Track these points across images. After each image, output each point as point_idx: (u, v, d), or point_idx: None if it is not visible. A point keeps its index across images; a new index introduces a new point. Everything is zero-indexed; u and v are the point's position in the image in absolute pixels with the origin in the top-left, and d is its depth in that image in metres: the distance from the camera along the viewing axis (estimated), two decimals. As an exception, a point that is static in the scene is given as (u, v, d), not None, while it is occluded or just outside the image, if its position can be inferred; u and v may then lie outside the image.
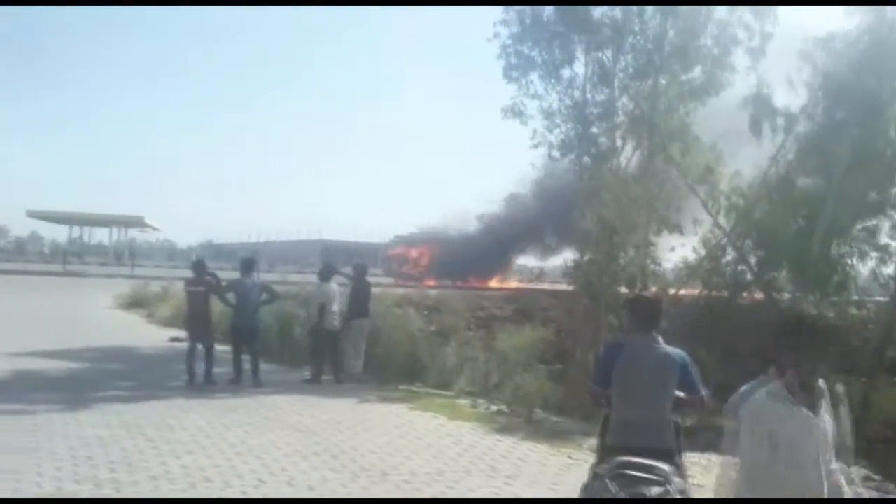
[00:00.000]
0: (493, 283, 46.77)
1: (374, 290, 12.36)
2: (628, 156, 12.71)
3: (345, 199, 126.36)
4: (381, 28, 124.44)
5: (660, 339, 4.01)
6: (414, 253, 54.76)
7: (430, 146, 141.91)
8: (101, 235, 78.20)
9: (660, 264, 12.56)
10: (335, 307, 11.00)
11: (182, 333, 12.52)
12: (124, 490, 5.43)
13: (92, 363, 11.81)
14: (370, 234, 67.89)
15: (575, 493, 4.11)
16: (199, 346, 10.23)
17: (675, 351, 3.99)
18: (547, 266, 49.23)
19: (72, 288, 29.09)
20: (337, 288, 11.49)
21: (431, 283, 40.45)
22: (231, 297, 10.52)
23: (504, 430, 8.17)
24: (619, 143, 12.72)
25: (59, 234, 78.95)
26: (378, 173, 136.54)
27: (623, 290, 11.48)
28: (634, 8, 12.27)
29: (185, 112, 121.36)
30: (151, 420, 7.80)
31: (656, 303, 4.35)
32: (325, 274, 11.47)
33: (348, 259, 18.78)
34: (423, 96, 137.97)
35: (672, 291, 12.27)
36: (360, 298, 11.42)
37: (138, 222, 72.01)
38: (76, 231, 75.55)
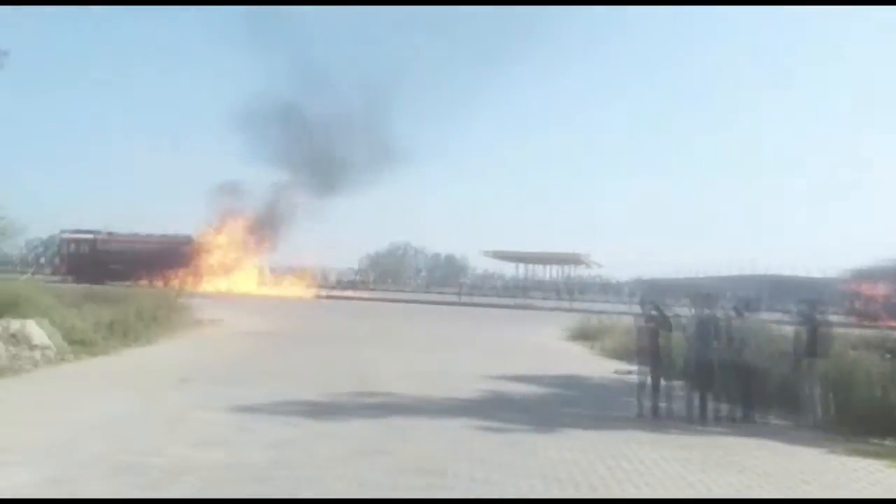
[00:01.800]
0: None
1: (827, 330, 11.30)
2: None
3: (783, 230, 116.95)
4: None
5: None
6: (871, 289, 48.26)
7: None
8: (545, 272, 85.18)
9: None
10: (748, 343, 10.54)
11: (628, 366, 12.94)
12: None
13: (549, 388, 12.86)
14: (822, 268, 61.21)
15: None
16: (650, 381, 10.46)
17: None
18: None
19: (522, 320, 32.18)
20: (757, 323, 11.04)
21: (893, 323, 35.14)
22: (681, 333, 10.57)
23: None
24: None
25: (509, 270, 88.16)
26: (826, 201, 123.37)
27: None
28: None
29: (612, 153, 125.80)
30: (608, 448, 8.19)
31: None
32: (741, 308, 11.08)
33: (798, 294, 17.43)
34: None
35: None
36: (809, 337, 10.57)
37: (580, 260, 76.85)
38: (522, 269, 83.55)
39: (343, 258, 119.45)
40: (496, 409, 10.56)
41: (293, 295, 45.37)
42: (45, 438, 7.35)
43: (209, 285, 43.97)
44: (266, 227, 49.88)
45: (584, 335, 22.76)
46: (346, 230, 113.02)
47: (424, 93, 72.50)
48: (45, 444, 7.13)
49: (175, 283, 38.17)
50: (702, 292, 11.06)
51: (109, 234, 49.17)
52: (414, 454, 7.45)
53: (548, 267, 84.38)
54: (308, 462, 6.90)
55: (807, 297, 13.13)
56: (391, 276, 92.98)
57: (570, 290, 61.60)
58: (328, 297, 45.88)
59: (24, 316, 13.51)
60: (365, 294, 54.09)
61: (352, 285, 66.77)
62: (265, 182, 51.13)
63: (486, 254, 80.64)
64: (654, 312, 10.77)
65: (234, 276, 47.80)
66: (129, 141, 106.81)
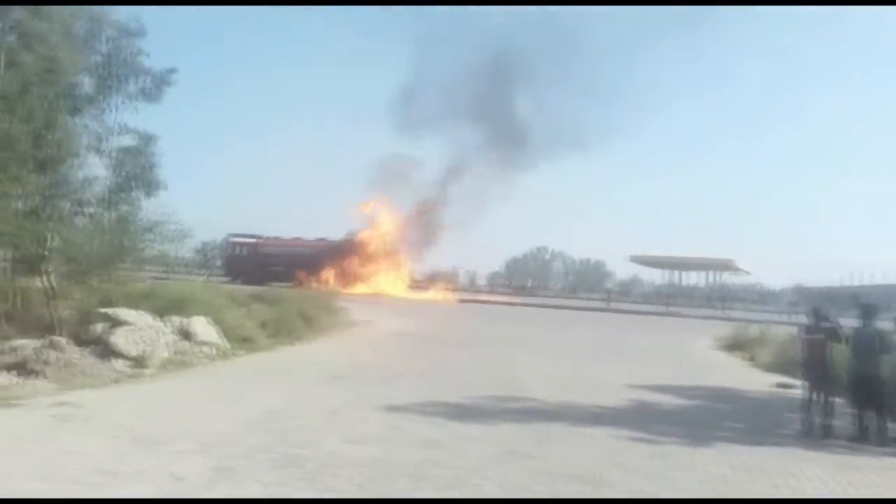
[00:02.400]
0: None
1: None
2: None
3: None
4: None
5: None
6: None
7: None
8: (693, 278, 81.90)
9: None
10: None
11: (790, 380, 12.17)
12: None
13: (701, 401, 12.33)
14: None
15: None
16: (816, 397, 9.79)
17: None
18: None
19: (670, 328, 31.08)
20: None
21: None
22: (849, 346, 9.81)
23: None
24: None
25: (655, 276, 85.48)
26: None
27: None
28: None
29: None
30: (771, 465, 7.75)
31: None
32: None
33: None
34: None
35: None
36: None
37: (728, 266, 73.24)
38: (669, 275, 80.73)
39: (488, 261, 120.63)
40: (645, 419, 10.26)
41: (439, 298, 46.27)
42: (213, 429, 7.91)
43: (360, 287, 45.73)
44: (420, 228, 51.01)
45: (738, 345, 21.61)
46: (489, 234, 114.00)
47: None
48: (213, 434, 7.68)
49: (329, 284, 39.95)
50: (869, 303, 10.17)
51: (271, 238, 52.29)
52: (563, 460, 7.40)
53: (701, 274, 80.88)
54: (457, 463, 7.02)
55: None
56: (537, 280, 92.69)
57: (722, 298, 58.75)
58: (473, 301, 46.38)
59: (196, 314, 14.68)
60: (509, 298, 54.23)
61: (520, 289, 67.03)
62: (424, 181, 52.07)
63: (632, 259, 78.53)
64: (824, 324, 10.07)
65: (383, 278, 49.41)
66: (285, 145, 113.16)
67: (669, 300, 55.93)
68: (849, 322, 10.56)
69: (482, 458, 7.25)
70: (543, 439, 8.40)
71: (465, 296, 50.09)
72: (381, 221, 51.29)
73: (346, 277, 46.10)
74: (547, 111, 55.66)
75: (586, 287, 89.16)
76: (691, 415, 10.97)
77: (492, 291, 64.42)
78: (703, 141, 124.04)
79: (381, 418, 8.98)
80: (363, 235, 50.59)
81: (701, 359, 19.63)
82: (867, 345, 9.58)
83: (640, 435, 9.03)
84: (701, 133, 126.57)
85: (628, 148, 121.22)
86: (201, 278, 34.80)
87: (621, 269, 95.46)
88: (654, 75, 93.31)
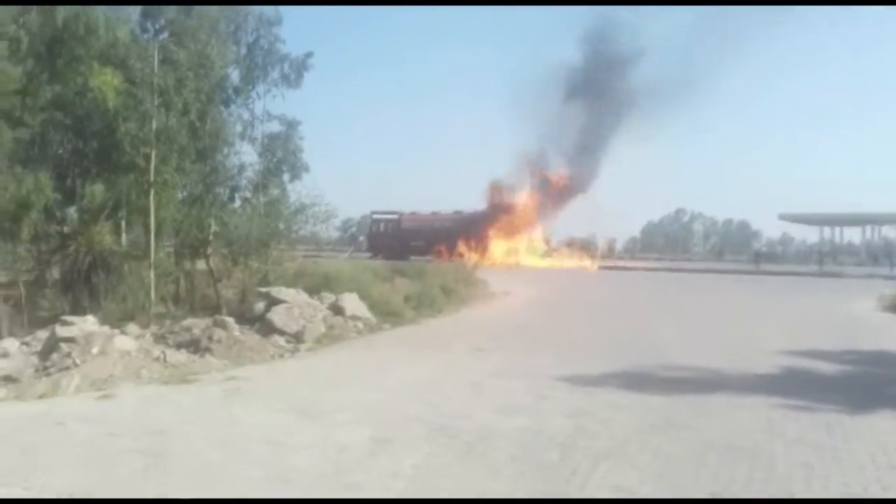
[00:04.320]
0: None
1: None
2: None
3: None
4: None
5: None
6: None
7: None
8: (851, 235, 76.40)
9: None
10: None
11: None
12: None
13: (862, 367, 11.53)
14: None
15: None
16: None
17: None
18: None
19: (828, 289, 29.20)
20: None
21: None
22: None
23: None
24: None
25: (809, 235, 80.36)
26: None
27: None
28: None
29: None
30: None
31: None
32: None
33: None
34: None
35: None
36: None
37: (892, 219, 67.65)
38: (826, 232, 75.60)
39: (626, 227, 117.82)
40: (802, 387, 9.77)
41: (577, 265, 45.81)
42: (367, 400, 8.32)
43: (498, 258, 46.08)
44: (553, 196, 50.63)
45: (906, 306, 20.07)
46: (625, 199, 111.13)
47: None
48: (368, 405, 8.08)
49: (468, 256, 40.57)
50: None
51: (412, 213, 53.55)
52: (719, 430, 7.21)
53: (863, 229, 75.04)
54: (607, 433, 7.02)
55: None
56: (677, 244, 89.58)
57: (889, 254, 54.15)
58: (611, 268, 45.58)
59: (345, 290, 15.41)
60: (650, 264, 52.84)
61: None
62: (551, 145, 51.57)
63: (783, 217, 74.13)
64: None
65: (520, 248, 49.52)
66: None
67: (829, 259, 52.47)
68: None
69: (634, 428, 7.20)
70: (697, 408, 8.22)
71: (603, 263, 49.31)
72: (517, 192, 51.29)
73: (484, 249, 46.57)
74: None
75: (732, 249, 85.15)
76: (852, 382, 10.35)
77: (633, 258, 62.88)
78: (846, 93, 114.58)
79: (527, 388, 9.09)
80: (499, 206, 50.76)
81: (862, 321, 18.35)
82: None
83: (799, 403, 8.62)
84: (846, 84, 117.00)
85: (767, 103, 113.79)
86: (345, 255, 36.30)
87: (769, 228, 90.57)
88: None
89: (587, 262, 47.66)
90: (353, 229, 66.00)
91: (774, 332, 15.50)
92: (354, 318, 14.30)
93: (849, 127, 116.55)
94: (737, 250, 78.71)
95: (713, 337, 14.75)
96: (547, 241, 53.06)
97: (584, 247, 54.97)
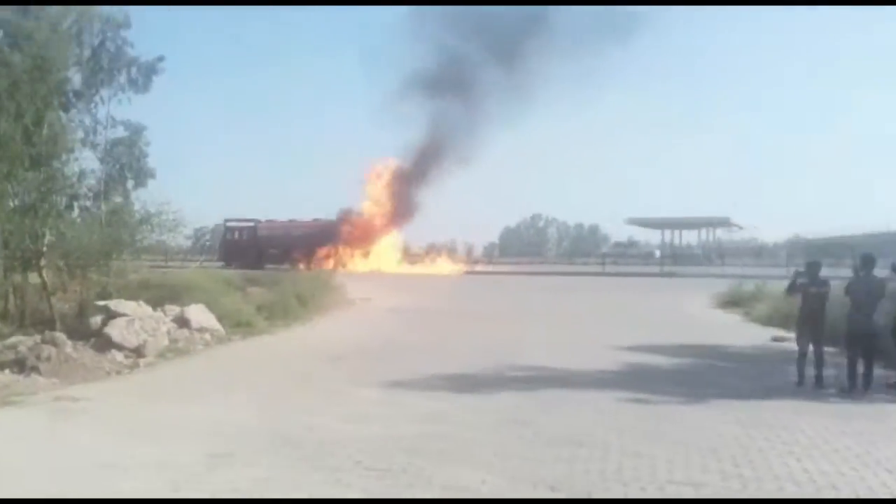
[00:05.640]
0: None
1: None
2: None
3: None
4: None
5: None
6: None
7: None
8: (690, 237, 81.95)
9: None
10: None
11: (785, 333, 12.27)
12: (749, 486, 5.59)
13: (698, 359, 12.41)
14: None
15: None
16: (810, 349, 9.90)
17: None
18: None
19: (668, 288, 31.17)
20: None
21: None
22: (848, 296, 9.91)
23: None
24: None
25: (652, 237, 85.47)
26: None
27: None
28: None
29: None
30: (765, 420, 7.85)
31: None
32: None
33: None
34: None
35: None
36: None
37: (724, 222, 73.31)
38: (667, 234, 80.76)
39: (483, 233, 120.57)
40: (644, 380, 10.36)
41: (435, 272, 46.31)
42: (208, 415, 7.97)
43: (357, 265, 45.75)
44: (410, 186, 50.48)
45: (733, 302, 21.73)
46: (485, 204, 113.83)
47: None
48: (209, 420, 7.74)
49: (326, 263, 39.97)
50: (868, 253, 10.23)
51: (268, 221, 52.13)
52: (560, 425, 7.49)
53: (696, 232, 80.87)
54: (456, 434, 7.10)
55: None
56: (532, 248, 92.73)
57: (719, 255, 58.77)
58: (470, 273, 46.45)
59: (193, 301, 14.73)
60: (507, 268, 54.29)
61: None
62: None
63: (629, 221, 78.51)
64: (819, 276, 10.15)
65: (378, 254, 49.39)
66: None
67: (668, 260, 56.00)
68: (841, 273, 10.67)
69: (482, 428, 7.32)
70: (543, 405, 8.49)
71: (462, 268, 50.16)
72: (375, 196, 51.05)
73: (343, 256, 46.12)
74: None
75: (582, 252, 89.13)
76: (689, 373, 11.08)
77: (491, 262, 64.35)
78: (691, 97, 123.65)
79: (382, 395, 9.06)
80: (357, 212, 50.43)
81: (697, 317, 19.74)
82: (865, 294, 9.68)
83: (639, 396, 9.13)
84: (689, 90, 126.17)
85: (614, 106, 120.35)
86: (196, 265, 34.85)
87: (617, 232, 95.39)
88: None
89: (449, 268, 48.31)
90: (207, 238, 63.46)
91: (619, 329, 16.33)
92: (201, 329, 13.70)
93: (683, 135, 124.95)
94: (587, 253, 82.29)
95: (564, 336, 15.32)
96: (407, 248, 53.32)
97: (445, 252, 55.68)
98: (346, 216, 50.58)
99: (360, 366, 11.38)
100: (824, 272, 10.37)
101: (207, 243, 63.93)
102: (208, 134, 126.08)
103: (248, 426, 7.45)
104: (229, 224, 53.08)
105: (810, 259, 11.17)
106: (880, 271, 10.38)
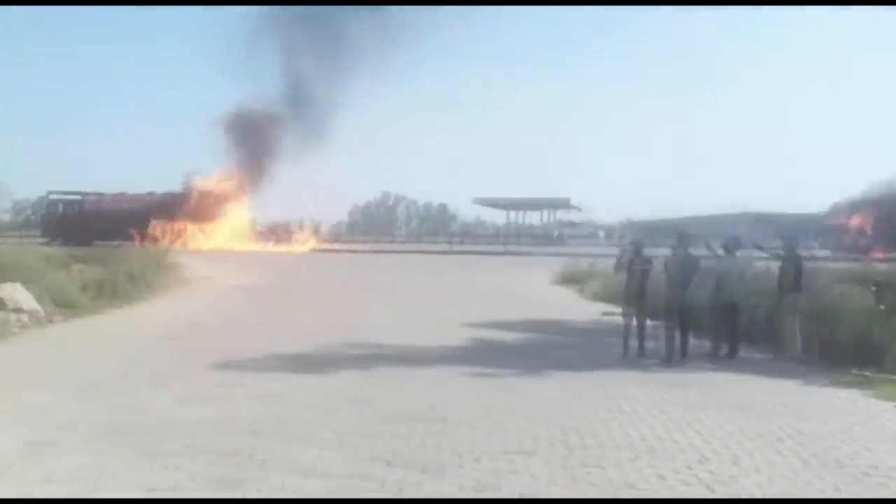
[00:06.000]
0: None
1: (812, 265, 11.57)
2: None
3: (769, 168, 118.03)
4: None
5: None
6: (856, 221, 48.47)
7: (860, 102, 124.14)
8: (534, 218, 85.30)
9: None
10: (740, 281, 10.93)
11: (614, 308, 13.05)
12: (575, 452, 5.88)
13: (537, 333, 12.96)
14: (806, 203, 61.95)
15: None
16: (633, 321, 10.57)
17: None
18: None
19: (512, 266, 32.32)
20: (746, 261, 11.50)
21: (879, 255, 35.52)
22: (666, 272, 10.67)
23: None
24: None
25: (499, 217, 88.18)
26: (801, 135, 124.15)
27: None
28: None
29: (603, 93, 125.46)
30: (595, 389, 8.31)
31: None
32: (730, 246, 11.32)
33: (779, 232, 17.62)
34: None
35: None
36: (793, 273, 10.75)
37: (565, 204, 76.92)
38: (513, 215, 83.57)
39: (332, 210, 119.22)
40: (485, 355, 10.65)
41: (283, 249, 45.33)
42: (26, 402, 7.34)
43: (201, 242, 43.86)
44: (253, 165, 48.78)
45: (571, 279, 22.90)
46: (333, 181, 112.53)
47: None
48: (27, 407, 7.13)
49: (164, 240, 38.01)
50: (684, 232, 11.12)
51: (97, 194, 48.70)
52: (402, 401, 7.53)
53: (539, 213, 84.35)
54: (294, 415, 6.96)
55: (790, 233, 13.24)
56: (382, 227, 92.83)
57: (560, 235, 61.73)
58: (318, 251, 45.85)
59: (11, 280, 13.47)
60: (355, 246, 54.07)
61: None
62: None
63: (476, 201, 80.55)
64: (642, 254, 10.83)
65: (223, 230, 47.56)
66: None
67: (512, 240, 57.95)
68: (663, 252, 11.46)
69: (321, 408, 7.22)
70: (384, 383, 8.51)
71: (311, 245, 49.39)
72: (220, 170, 48.99)
73: (184, 232, 44.07)
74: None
75: (435, 231, 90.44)
76: (529, 347, 11.52)
77: (337, 240, 63.84)
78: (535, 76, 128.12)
79: (218, 376, 8.71)
80: (200, 185, 48.12)
81: (538, 294, 20.60)
82: (686, 271, 10.45)
83: (480, 370, 9.37)
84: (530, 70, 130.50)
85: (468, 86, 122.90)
86: (12, 241, 32.02)
87: (466, 212, 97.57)
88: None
89: (294, 246, 47.38)
90: (28, 212, 58.46)
91: (463, 306, 16.70)
92: (18, 310, 12.58)
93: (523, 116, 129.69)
94: (436, 232, 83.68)
95: (410, 313, 15.48)
96: (251, 224, 51.68)
97: (292, 230, 54.45)
98: (188, 189, 48.21)
99: (195, 346, 10.90)
100: (649, 251, 11.13)
101: (32, 217, 58.97)
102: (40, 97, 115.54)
103: (71, 413, 6.91)
104: (53, 197, 49.21)
105: (635, 239, 11.96)
106: (699, 250, 11.30)
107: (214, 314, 15.09)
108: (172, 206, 45.57)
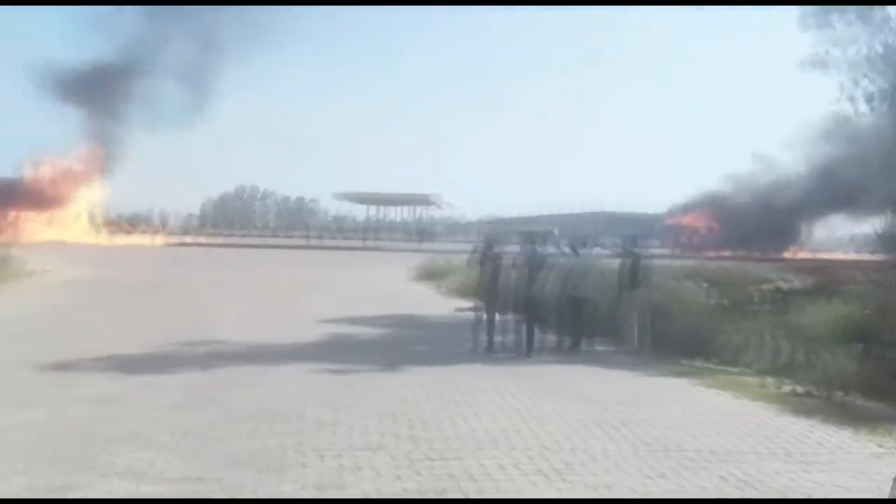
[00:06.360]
0: (787, 255, 43.32)
1: (650, 262, 12.34)
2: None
3: (624, 169, 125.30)
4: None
5: None
6: (690, 221, 52.33)
7: (705, 106, 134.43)
8: (395, 213, 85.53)
9: None
10: (585, 277, 11.37)
11: (466, 303, 13.35)
12: (421, 446, 5.96)
13: (393, 329, 13.05)
14: (654, 204, 66.26)
15: (887, 485, 3.77)
16: (484, 316, 10.86)
17: None
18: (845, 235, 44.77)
19: (370, 262, 32.29)
20: (591, 258, 11.98)
21: (710, 253, 38.57)
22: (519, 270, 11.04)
23: (798, 411, 7.60)
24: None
25: (360, 213, 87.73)
26: (655, 139, 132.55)
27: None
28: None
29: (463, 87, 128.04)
30: (445, 383, 8.45)
31: None
32: (576, 245, 11.99)
33: (628, 230, 18.76)
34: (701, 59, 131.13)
35: None
36: (630, 270, 11.42)
37: (427, 200, 77.69)
38: (373, 210, 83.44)
39: (183, 203, 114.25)
40: (339, 351, 10.58)
41: (131, 243, 42.94)
42: None
43: (37, 235, 40.61)
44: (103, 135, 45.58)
45: (429, 275, 23.20)
46: (186, 172, 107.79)
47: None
48: None
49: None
50: (530, 231, 11.59)
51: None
52: (248, 400, 7.32)
53: (400, 209, 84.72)
54: (131, 416, 6.61)
55: (628, 232, 14.08)
56: (238, 221, 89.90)
57: (419, 232, 62.36)
58: (169, 245, 43.80)
59: None
60: (209, 240, 52.07)
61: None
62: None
63: (337, 196, 79.85)
64: (493, 251, 11.14)
65: (64, 221, 44.29)
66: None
67: (372, 236, 57.89)
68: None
69: (160, 408, 6.90)
70: (232, 381, 8.25)
71: (161, 239, 47.08)
72: (60, 157, 45.46)
73: (19, 224, 40.74)
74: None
75: (294, 226, 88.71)
76: (383, 343, 11.58)
77: (188, 234, 61.21)
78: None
79: (51, 377, 8.13)
80: (38, 175, 44.49)
81: (395, 290, 20.69)
82: (532, 268, 10.86)
83: (333, 367, 9.28)
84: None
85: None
86: None
87: (331, 207, 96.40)
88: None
89: (143, 239, 44.98)
90: None
91: (318, 302, 16.50)
92: None
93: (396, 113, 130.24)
94: (295, 227, 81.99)
95: (265, 310, 15.12)
96: (96, 216, 48.38)
97: (140, 223, 51.68)
98: (24, 178, 44.42)
99: (23, 345, 10.09)
100: (507, 248, 11.51)
101: None
102: None
103: None
104: None
105: (488, 234, 12.33)
106: (546, 248, 11.76)
107: (50, 309, 14.15)
108: (6, 196, 41.88)
